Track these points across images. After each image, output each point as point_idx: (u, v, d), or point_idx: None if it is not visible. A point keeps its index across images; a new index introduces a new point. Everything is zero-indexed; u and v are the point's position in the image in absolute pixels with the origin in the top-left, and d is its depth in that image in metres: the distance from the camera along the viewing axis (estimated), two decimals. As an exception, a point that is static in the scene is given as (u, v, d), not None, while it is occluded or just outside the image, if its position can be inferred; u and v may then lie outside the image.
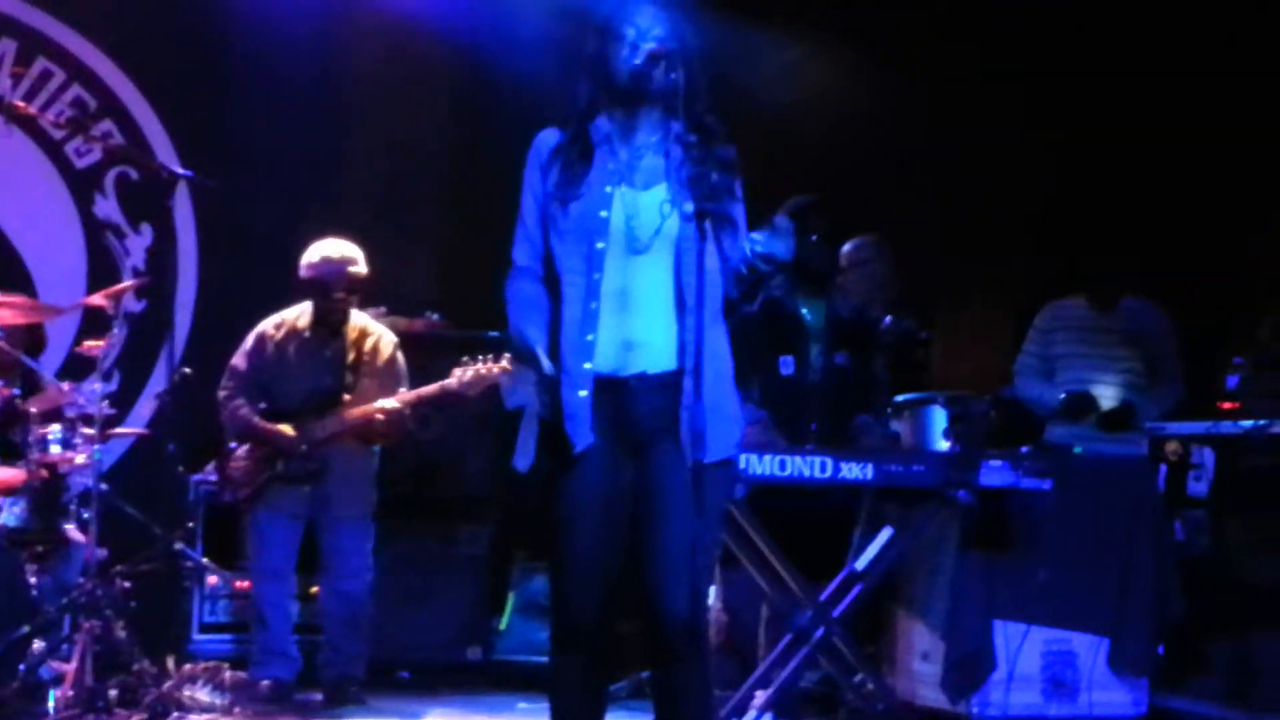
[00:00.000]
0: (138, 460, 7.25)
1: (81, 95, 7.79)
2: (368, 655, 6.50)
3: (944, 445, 5.78)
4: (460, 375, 6.30)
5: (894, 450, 5.83)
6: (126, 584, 5.98)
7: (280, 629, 6.42)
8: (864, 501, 5.92)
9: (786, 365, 6.05)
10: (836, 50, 8.30)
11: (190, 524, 6.68)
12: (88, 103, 7.79)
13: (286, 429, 6.39)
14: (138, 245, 7.79)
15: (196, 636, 6.80)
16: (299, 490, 6.39)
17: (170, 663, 5.92)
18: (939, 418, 5.85)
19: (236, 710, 5.81)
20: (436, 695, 6.71)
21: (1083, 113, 7.87)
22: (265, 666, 6.34)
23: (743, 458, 5.29)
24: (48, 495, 6.24)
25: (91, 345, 6.08)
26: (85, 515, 6.05)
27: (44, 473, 6.07)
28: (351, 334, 6.55)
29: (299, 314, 6.58)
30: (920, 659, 6.00)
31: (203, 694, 5.78)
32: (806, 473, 5.45)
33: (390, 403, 6.38)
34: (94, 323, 6.51)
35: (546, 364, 3.83)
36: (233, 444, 6.49)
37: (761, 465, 5.41)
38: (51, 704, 5.69)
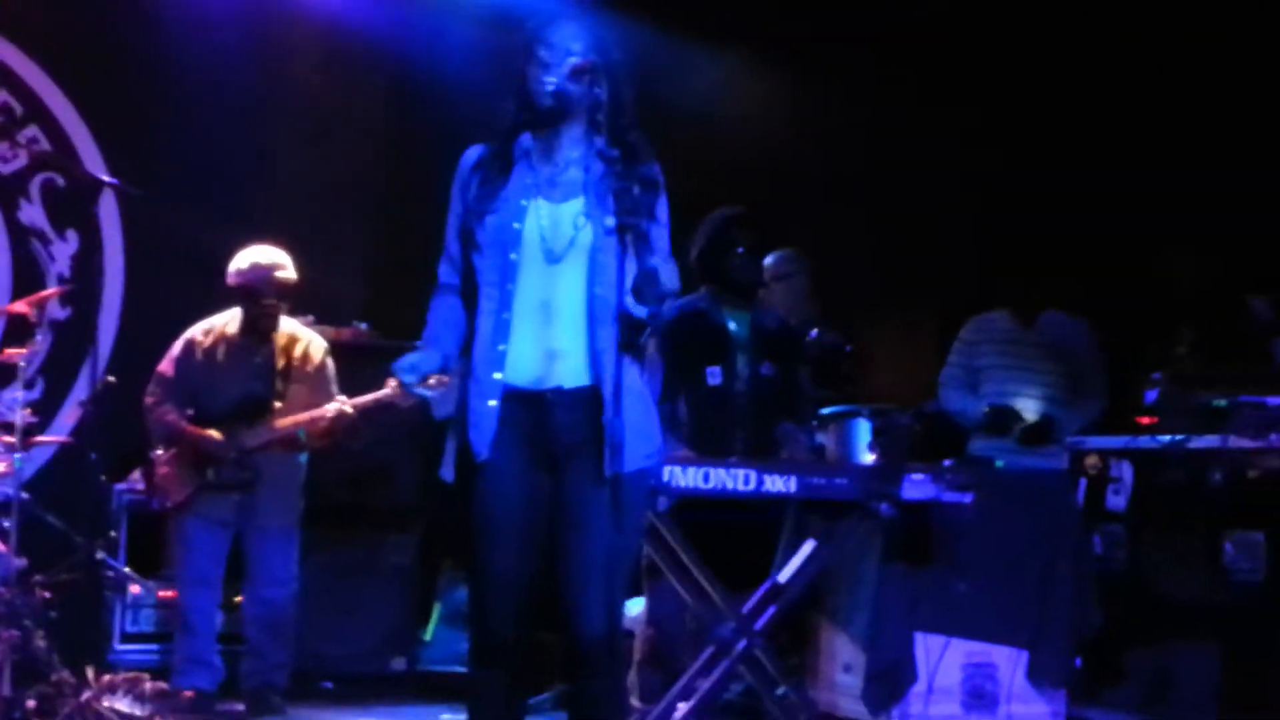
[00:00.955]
0: (60, 469, 7.18)
1: (7, 100, 7.71)
2: (291, 665, 6.47)
3: (869, 458, 5.82)
4: (395, 385, 6.28)
5: (817, 463, 5.87)
6: (46, 594, 5.94)
7: (205, 637, 6.38)
8: (788, 514, 5.96)
9: (714, 375, 6.08)
10: (765, 65, 8.36)
11: (113, 533, 6.65)
12: (13, 108, 7.72)
13: (214, 434, 6.36)
14: (63, 252, 7.72)
15: (119, 646, 6.76)
16: (228, 498, 6.36)
17: (90, 673, 5.87)
18: (863, 430, 5.90)
19: (156, 720, 5.78)
20: (360, 705, 6.69)
21: (1006, 130, 7.96)
22: (187, 675, 6.30)
23: (666, 470, 5.31)
24: (-34, 504, 6.19)
25: (14, 353, 6.04)
26: (5, 524, 5.99)
27: (-37, 481, 6.02)
28: (281, 340, 6.53)
29: (228, 320, 6.55)
30: (842, 671, 6.03)
31: (122, 704, 5.72)
32: (730, 485, 5.48)
33: (347, 408, 6.36)
34: (17, 330, 6.46)
35: (412, 378, 3.85)
36: (158, 450, 6.45)
37: (685, 478, 5.42)
38: (-33, 714, 5.65)
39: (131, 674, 5.88)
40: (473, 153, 4.04)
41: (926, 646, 5.84)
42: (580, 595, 3.84)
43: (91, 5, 7.81)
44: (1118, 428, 6.60)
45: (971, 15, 8.02)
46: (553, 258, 3.90)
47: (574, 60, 3.87)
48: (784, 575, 5.80)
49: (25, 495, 5.98)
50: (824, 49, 8.21)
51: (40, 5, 7.79)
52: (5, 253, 7.68)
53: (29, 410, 6.04)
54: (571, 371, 3.89)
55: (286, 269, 6.47)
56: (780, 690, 5.77)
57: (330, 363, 6.58)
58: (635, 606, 6.10)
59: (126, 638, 6.80)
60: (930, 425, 6.50)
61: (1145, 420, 6.47)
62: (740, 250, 6.10)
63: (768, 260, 6.59)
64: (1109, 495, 6.55)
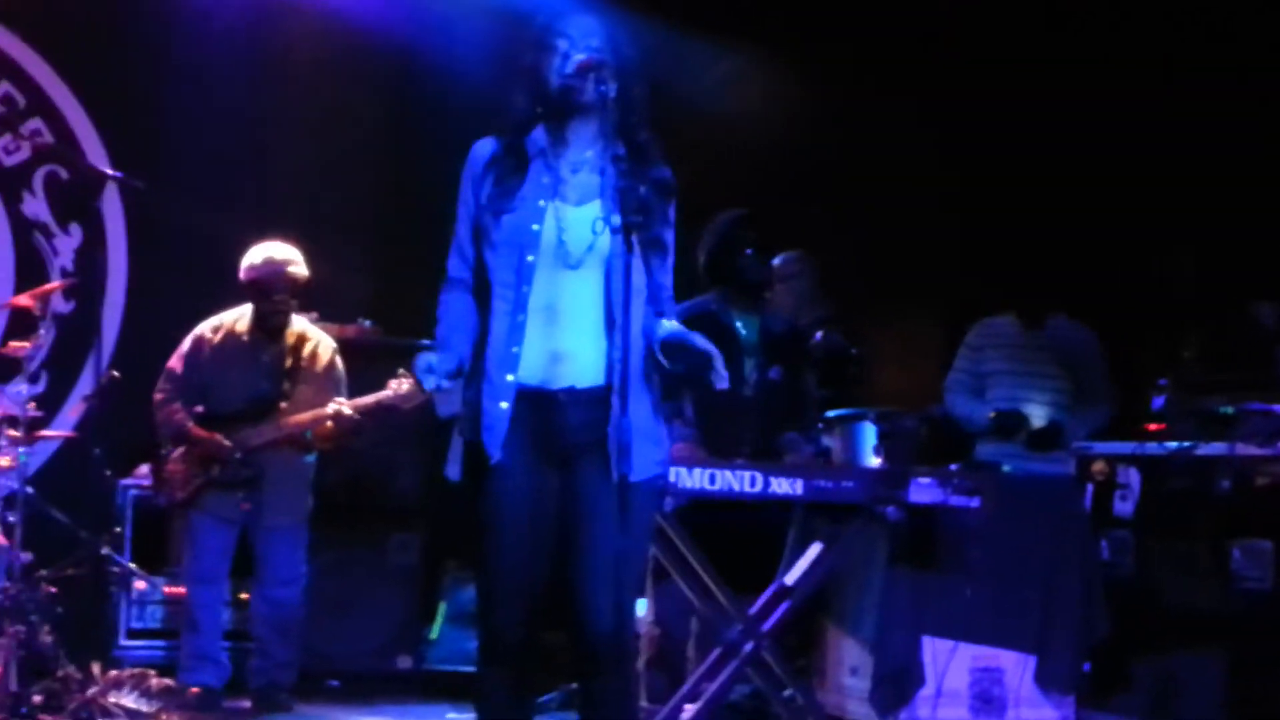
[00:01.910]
0: (65, 463, 7.17)
1: (10, 92, 7.69)
2: (298, 663, 6.49)
3: (874, 461, 5.82)
4: (396, 387, 6.29)
5: (824, 466, 5.87)
6: (52, 589, 5.92)
7: (211, 634, 6.38)
8: (794, 516, 5.95)
9: (722, 379, 6.06)
10: (774, 64, 8.35)
11: (118, 528, 6.64)
12: (17, 100, 7.70)
13: (219, 437, 6.34)
14: (66, 245, 7.70)
15: (125, 642, 6.76)
16: (234, 495, 6.35)
17: (96, 668, 5.86)
18: (869, 434, 5.89)
19: (163, 717, 5.75)
20: (366, 704, 6.68)
21: (1015, 133, 7.95)
22: (194, 672, 6.30)
23: (673, 472, 5.30)
24: (-30, 499, 6.18)
25: (17, 346, 6.02)
26: (10, 519, 5.97)
27: (-34, 476, 6.00)
28: (290, 339, 6.52)
29: (237, 317, 6.53)
30: (849, 674, 6.04)
31: (129, 700, 5.72)
32: (736, 487, 5.45)
33: (346, 409, 6.34)
34: (21, 324, 6.44)
35: (432, 382, 3.83)
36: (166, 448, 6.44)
37: (692, 479, 5.41)
38: (-27, 709, 5.63)
39: (138, 670, 5.88)
40: (484, 146, 3.99)
41: (934, 650, 5.85)
42: (589, 592, 3.84)
43: (96, -1, 7.81)
44: (1125, 434, 6.59)
45: (980, 17, 8.01)
46: (570, 262, 3.88)
47: (581, 56, 3.85)
48: (791, 578, 5.79)
49: (30, 490, 5.96)
50: (830, 49, 8.20)
51: (45, -2, 7.79)
52: (8, 246, 7.66)
53: (33, 404, 6.02)
54: (583, 371, 3.88)
55: (299, 265, 6.46)
56: (787, 692, 5.77)
57: (339, 363, 6.57)
58: (640, 607, 6.09)
59: (132, 634, 6.79)
60: (936, 429, 6.49)
61: (1153, 426, 6.47)
62: (749, 251, 6.10)
63: (774, 261, 6.58)
64: (1116, 501, 6.54)
